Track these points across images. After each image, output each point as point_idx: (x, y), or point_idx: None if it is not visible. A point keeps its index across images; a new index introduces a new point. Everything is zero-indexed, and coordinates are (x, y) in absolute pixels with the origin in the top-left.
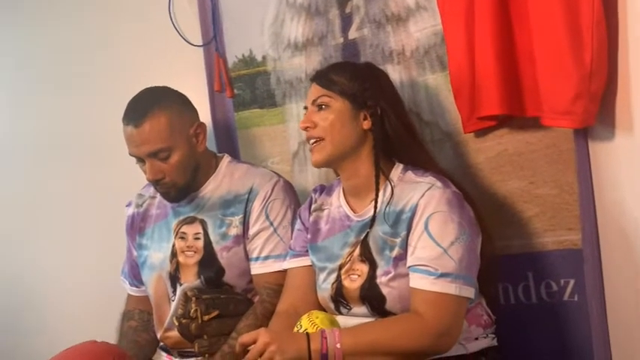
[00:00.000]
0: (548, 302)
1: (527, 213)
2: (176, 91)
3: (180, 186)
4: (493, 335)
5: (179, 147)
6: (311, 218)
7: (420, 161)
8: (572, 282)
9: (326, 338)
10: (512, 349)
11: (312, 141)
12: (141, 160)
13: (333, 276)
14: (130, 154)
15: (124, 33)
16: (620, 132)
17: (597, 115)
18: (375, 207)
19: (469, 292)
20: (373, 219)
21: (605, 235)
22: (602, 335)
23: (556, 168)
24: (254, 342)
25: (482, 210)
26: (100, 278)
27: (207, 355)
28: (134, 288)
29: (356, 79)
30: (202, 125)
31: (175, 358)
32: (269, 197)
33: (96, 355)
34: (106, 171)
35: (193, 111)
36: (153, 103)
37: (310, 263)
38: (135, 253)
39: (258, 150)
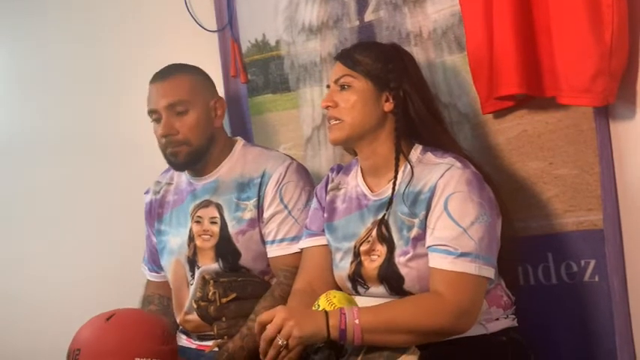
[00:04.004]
0: (568, 283)
1: (546, 194)
2: (203, 70)
3: (193, 147)
4: (513, 316)
5: (197, 107)
6: (327, 197)
7: (444, 144)
8: (592, 263)
9: (344, 314)
10: (531, 330)
11: (331, 121)
12: (157, 119)
13: (351, 255)
14: (149, 111)
15: (139, 19)
16: None
17: (618, 93)
18: (394, 188)
19: (489, 272)
20: (391, 199)
21: (626, 214)
22: (623, 315)
23: (576, 148)
24: (272, 320)
25: (502, 191)
26: (103, 275)
27: (225, 337)
28: (154, 274)
29: (380, 60)
30: (222, 101)
31: (195, 341)
32: (282, 180)
33: (154, 319)
34: (118, 163)
35: (215, 88)
36: (180, 69)
37: (326, 242)
38: (154, 240)
39: (271, 135)
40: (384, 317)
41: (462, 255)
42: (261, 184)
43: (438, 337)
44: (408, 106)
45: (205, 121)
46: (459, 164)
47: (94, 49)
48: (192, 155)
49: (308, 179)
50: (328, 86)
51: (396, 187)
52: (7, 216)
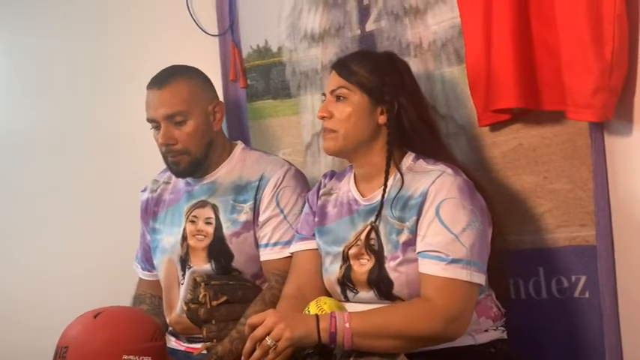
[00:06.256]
0: (559, 298)
1: (540, 208)
2: (201, 71)
3: (193, 156)
4: (503, 328)
5: (196, 115)
6: (319, 202)
7: (437, 155)
8: (583, 279)
9: (335, 318)
10: (521, 343)
11: (326, 131)
12: (157, 127)
13: (340, 259)
14: (148, 119)
15: (140, 20)
16: (637, 127)
17: (615, 110)
18: (384, 194)
19: (480, 278)
20: (381, 204)
21: (619, 231)
22: (614, 331)
23: (571, 163)
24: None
25: (495, 204)
26: (100, 273)
27: (215, 341)
28: (146, 272)
29: (376, 73)
30: (221, 105)
31: (184, 343)
32: (280, 184)
33: (143, 316)
34: (116, 162)
35: (214, 91)
36: (178, 73)
37: (316, 247)
38: (148, 238)
39: (270, 141)
40: (374, 322)
41: (454, 261)
42: (258, 188)
43: (429, 343)
44: (402, 118)
45: (204, 128)
46: (450, 171)
47: (95, 50)
48: (193, 164)
49: (305, 185)
50: (324, 95)
51: (386, 193)
52: (5, 213)
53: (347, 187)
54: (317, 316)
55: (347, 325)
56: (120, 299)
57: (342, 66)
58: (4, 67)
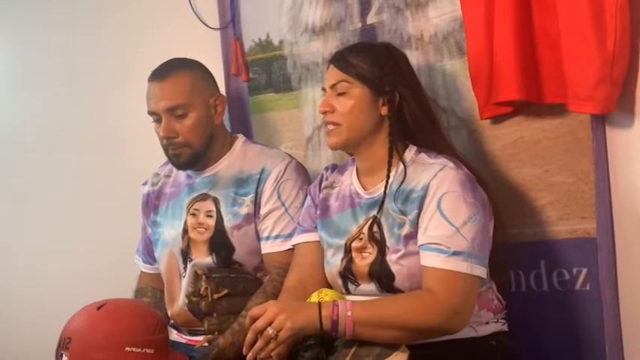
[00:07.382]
0: (560, 291)
1: (541, 201)
2: (203, 64)
3: (194, 149)
4: (504, 320)
5: (197, 108)
6: (321, 195)
7: (438, 146)
8: (584, 271)
9: (337, 306)
10: (522, 336)
11: (329, 126)
12: (158, 120)
13: (342, 252)
14: (149, 112)
15: (141, 14)
16: (639, 119)
17: (617, 102)
18: (386, 187)
19: (481, 271)
20: (383, 198)
21: (619, 223)
22: (614, 323)
23: (572, 156)
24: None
25: (496, 197)
26: (100, 270)
27: (216, 333)
28: (147, 265)
29: (376, 64)
30: (222, 98)
31: (185, 335)
32: (281, 178)
33: (145, 308)
34: (115, 157)
35: (215, 84)
36: (179, 65)
37: (318, 239)
38: (149, 231)
39: (272, 134)
40: (376, 312)
41: (455, 254)
42: (259, 181)
43: (430, 335)
44: (404, 109)
45: (205, 121)
46: (451, 164)
47: (95, 44)
48: (194, 157)
49: (306, 178)
50: (324, 89)
51: (389, 187)
52: (2, 211)
53: (349, 181)
54: (319, 303)
55: (349, 313)
56: (121, 296)
57: (340, 59)
58: (3, 62)
